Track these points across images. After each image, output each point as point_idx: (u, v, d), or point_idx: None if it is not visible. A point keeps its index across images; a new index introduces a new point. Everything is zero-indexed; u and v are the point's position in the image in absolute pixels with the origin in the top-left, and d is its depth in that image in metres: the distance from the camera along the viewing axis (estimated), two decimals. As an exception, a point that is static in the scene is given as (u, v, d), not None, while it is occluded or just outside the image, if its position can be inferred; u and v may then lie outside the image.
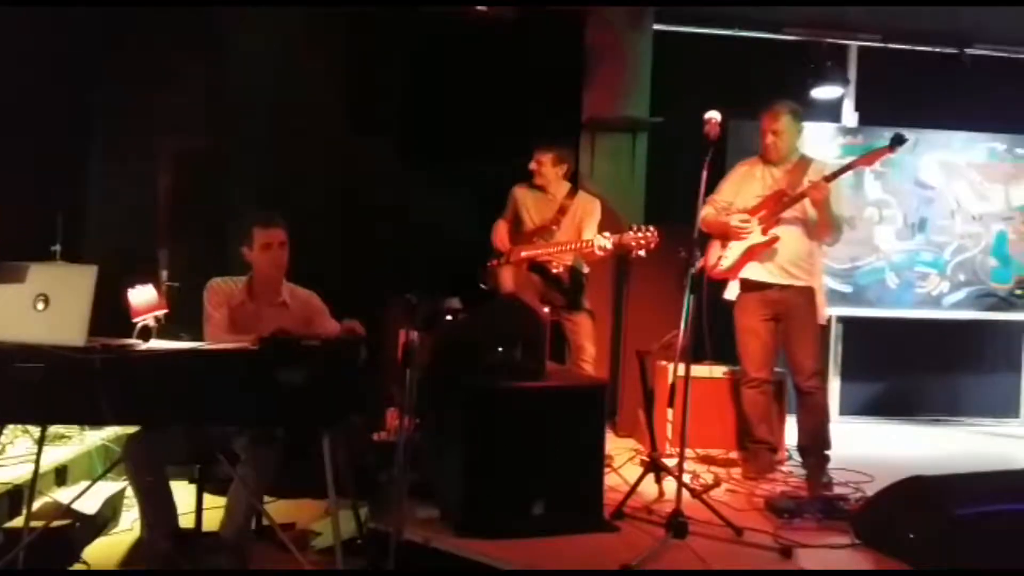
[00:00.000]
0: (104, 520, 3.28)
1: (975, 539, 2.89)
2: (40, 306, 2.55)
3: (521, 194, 4.44)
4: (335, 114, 4.97)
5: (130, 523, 3.33)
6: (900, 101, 5.81)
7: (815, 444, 4.10)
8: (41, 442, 2.92)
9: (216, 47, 4.84)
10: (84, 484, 3.09)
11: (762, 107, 4.16)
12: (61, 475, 3.48)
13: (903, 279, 5.74)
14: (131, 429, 3.01)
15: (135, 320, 3.04)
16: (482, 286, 4.49)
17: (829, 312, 5.36)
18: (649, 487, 3.69)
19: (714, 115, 3.36)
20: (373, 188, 4.95)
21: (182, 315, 3.51)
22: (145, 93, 4.69)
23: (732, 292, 4.23)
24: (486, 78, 5.13)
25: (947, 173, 5.78)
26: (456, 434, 3.31)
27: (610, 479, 3.78)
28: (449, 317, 3.53)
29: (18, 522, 2.98)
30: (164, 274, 4.39)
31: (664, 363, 4.56)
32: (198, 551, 2.88)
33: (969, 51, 5.85)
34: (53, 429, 3.56)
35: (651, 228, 3.99)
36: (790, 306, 4.10)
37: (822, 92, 5.66)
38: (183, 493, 3.00)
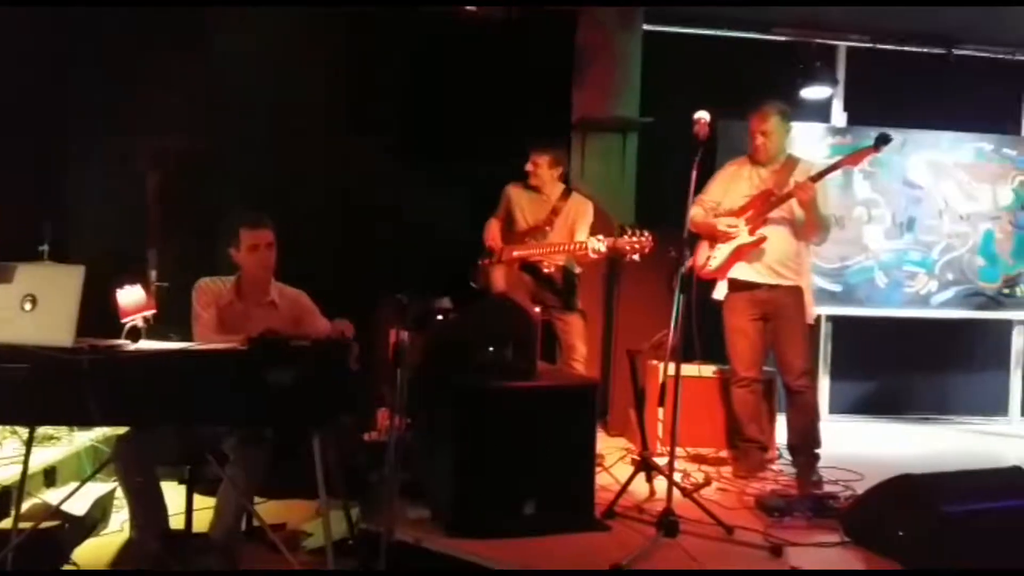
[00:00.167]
0: (93, 521, 3.26)
1: (964, 537, 2.90)
2: (28, 306, 2.53)
3: (515, 193, 4.44)
4: (325, 114, 4.96)
5: (120, 524, 3.32)
6: (888, 101, 5.84)
7: (805, 443, 4.12)
8: (29, 443, 2.90)
9: (205, 46, 4.82)
10: (73, 485, 3.07)
11: (751, 107, 4.18)
12: (50, 476, 3.46)
13: (892, 278, 5.77)
14: (120, 430, 3.00)
15: (124, 320, 3.03)
16: (473, 285, 4.48)
17: (819, 311, 5.38)
18: (640, 486, 3.70)
19: (703, 115, 3.37)
20: (363, 188, 4.94)
21: (171, 315, 3.50)
22: (134, 92, 4.67)
23: (720, 292, 4.24)
24: (476, 78, 5.13)
25: (935, 173, 5.82)
26: (447, 434, 3.31)
27: (601, 478, 3.79)
28: (440, 317, 3.53)
29: (7, 524, 2.95)
30: (153, 274, 4.38)
31: (655, 362, 4.57)
32: (188, 552, 2.87)
33: (956, 51, 5.89)
34: (42, 430, 3.54)
35: (646, 232, 4.00)
36: (779, 306, 4.12)
37: (811, 92, 5.68)
38: (173, 494, 2.99)
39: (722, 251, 4.18)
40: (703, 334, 4.31)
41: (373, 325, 3.79)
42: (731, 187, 4.22)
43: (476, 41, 5.09)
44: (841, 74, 5.95)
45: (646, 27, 5.57)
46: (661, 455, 4.10)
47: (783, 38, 5.81)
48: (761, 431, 4.31)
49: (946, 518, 2.90)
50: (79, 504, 3.12)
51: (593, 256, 4.11)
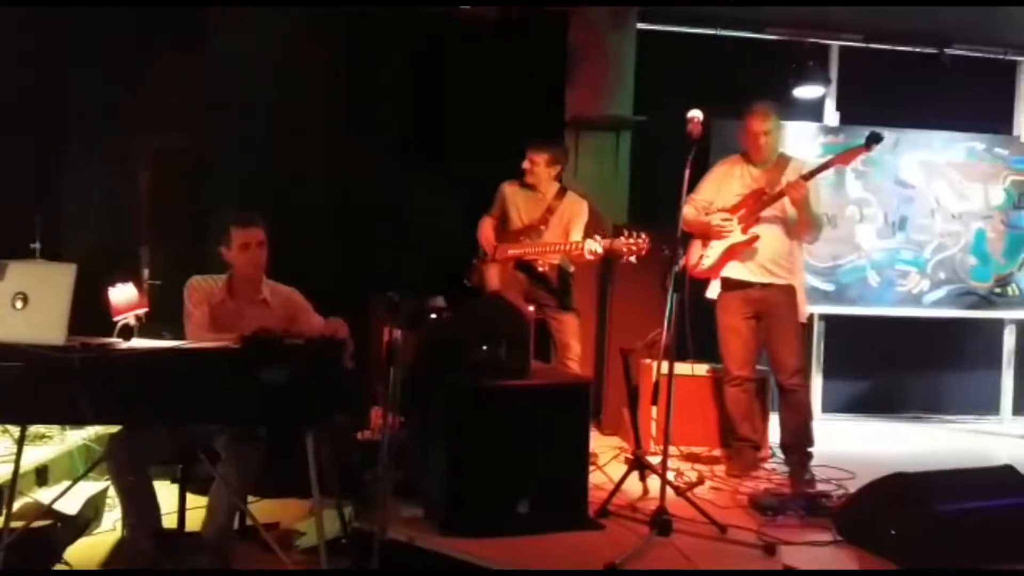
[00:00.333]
0: (86, 520, 3.25)
1: (956, 535, 2.91)
2: (19, 304, 2.52)
3: (511, 192, 4.44)
4: (320, 114, 4.95)
5: (112, 523, 3.31)
6: (881, 100, 5.86)
7: (798, 442, 4.13)
8: (21, 442, 2.88)
9: (201, 46, 4.81)
10: (65, 484, 3.06)
11: (744, 107, 4.17)
12: (42, 475, 3.44)
13: (884, 277, 5.79)
14: (113, 428, 2.99)
15: (116, 319, 3.02)
16: (466, 283, 4.48)
17: (811, 310, 5.39)
18: (634, 485, 3.70)
19: (696, 114, 3.37)
20: (357, 187, 4.94)
21: (164, 313, 3.49)
22: (127, 90, 4.66)
23: (713, 291, 4.24)
24: (470, 78, 5.12)
25: (927, 172, 5.84)
26: (441, 433, 3.30)
27: (595, 477, 3.79)
28: (433, 315, 3.53)
29: (-2, 523, 2.94)
30: (145, 272, 4.36)
31: (648, 361, 4.58)
32: (180, 551, 2.86)
33: (949, 51, 5.91)
34: (33, 429, 3.52)
35: (642, 234, 4.00)
36: (771, 304, 4.12)
37: (804, 91, 5.69)
38: (166, 493, 2.98)
39: (715, 250, 4.19)
40: (696, 333, 4.31)
41: (367, 323, 3.78)
42: (723, 186, 4.22)
43: (469, 41, 5.09)
44: (834, 73, 5.96)
45: (639, 26, 5.58)
46: (654, 454, 4.11)
47: (776, 37, 5.82)
48: (754, 430, 4.32)
49: (939, 517, 2.91)
50: (71, 503, 3.11)
51: (589, 257, 4.12)
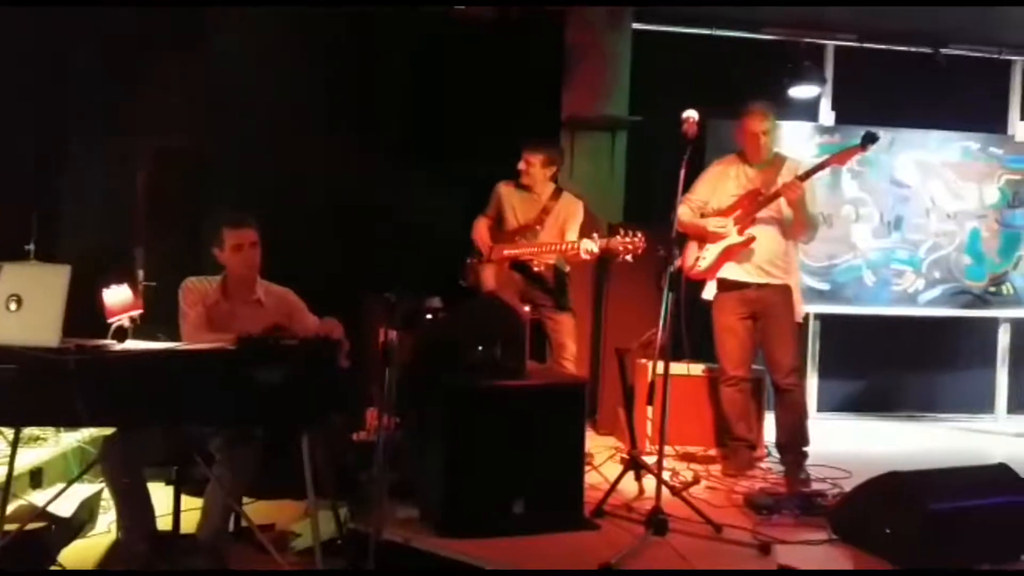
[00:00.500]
0: (80, 522, 3.24)
1: (951, 534, 2.92)
2: (13, 306, 2.52)
3: (507, 192, 4.43)
4: (316, 114, 4.94)
5: (107, 525, 3.30)
6: (876, 100, 5.87)
7: (793, 441, 4.13)
8: (15, 444, 2.87)
9: (198, 46, 4.80)
10: (60, 486, 3.05)
11: (741, 107, 4.17)
12: (36, 477, 3.43)
13: (880, 277, 5.80)
14: (108, 430, 2.98)
15: (110, 320, 3.02)
16: (462, 284, 4.48)
17: (807, 309, 5.40)
18: (629, 485, 3.70)
19: (692, 114, 3.38)
20: (353, 187, 4.93)
21: (159, 315, 3.48)
22: (123, 90, 4.65)
23: (710, 292, 4.25)
24: (466, 77, 5.12)
25: (922, 172, 5.85)
26: (437, 433, 3.30)
27: (591, 477, 3.79)
28: (429, 316, 3.53)
29: (-8, 525, 2.94)
30: (140, 273, 4.35)
31: (644, 361, 4.58)
32: (175, 553, 2.86)
33: (944, 51, 5.92)
34: (28, 431, 3.51)
35: (638, 233, 4.00)
36: (767, 304, 4.13)
37: (800, 91, 5.71)
38: (160, 495, 2.98)
39: (711, 251, 4.19)
40: (693, 333, 4.32)
41: (363, 324, 3.78)
42: (718, 186, 4.22)
43: (466, 41, 5.09)
44: (829, 73, 5.97)
45: (635, 26, 5.58)
46: (650, 454, 4.12)
47: (772, 37, 5.83)
48: (750, 430, 4.33)
49: (933, 516, 2.92)
50: (66, 505, 3.10)
51: (585, 256, 4.12)
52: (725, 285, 4.19)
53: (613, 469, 3.88)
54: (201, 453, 2.86)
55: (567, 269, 4.44)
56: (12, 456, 2.88)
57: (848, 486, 3.66)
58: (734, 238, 4.12)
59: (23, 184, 4.39)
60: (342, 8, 4.95)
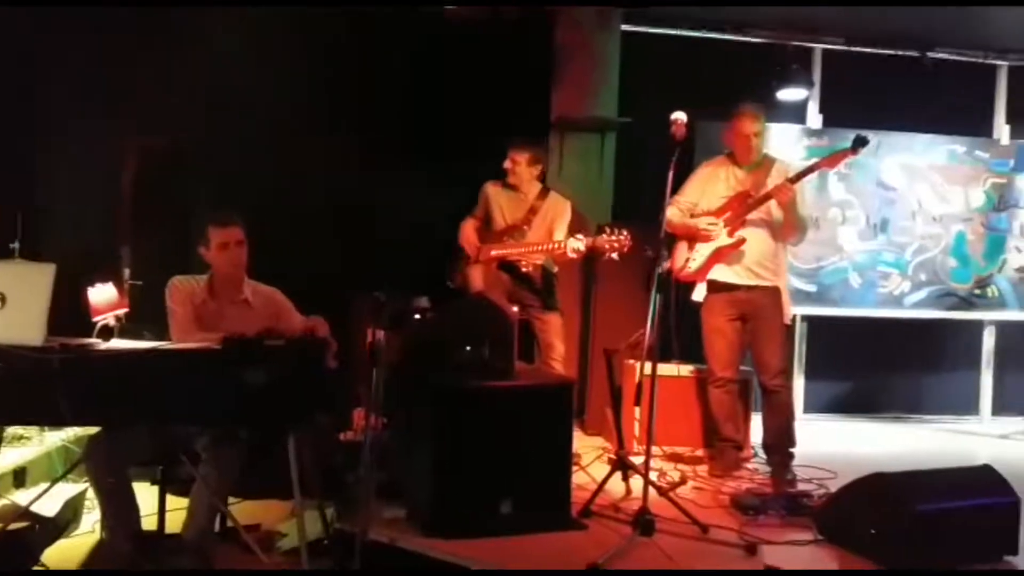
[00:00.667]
0: (64, 522, 3.22)
1: (935, 535, 2.94)
2: (-3, 305, 2.50)
3: (493, 192, 4.43)
4: (303, 113, 4.92)
5: (91, 525, 3.28)
6: (863, 103, 5.90)
7: (780, 442, 4.15)
8: (-2, 443, 2.86)
9: (183, 43, 4.77)
10: (43, 486, 3.03)
11: (730, 109, 4.18)
12: (20, 477, 3.41)
13: (866, 279, 5.83)
14: (92, 429, 2.96)
15: (95, 319, 3.00)
16: (450, 284, 4.47)
17: (794, 311, 5.42)
18: (617, 485, 3.71)
19: (680, 116, 3.39)
20: (341, 186, 4.92)
21: (145, 313, 3.46)
22: (108, 88, 4.61)
23: (700, 294, 4.25)
24: (455, 77, 5.12)
25: (909, 175, 5.89)
26: (424, 433, 3.30)
27: (578, 477, 3.79)
28: (418, 316, 3.52)
29: (-26, 525, 2.91)
30: (127, 272, 4.32)
31: (631, 362, 4.58)
32: (160, 553, 2.84)
33: (930, 55, 5.96)
34: (11, 430, 3.49)
35: (624, 231, 4.01)
36: (757, 306, 4.14)
37: (787, 94, 5.73)
38: (145, 494, 2.96)
39: (701, 253, 4.19)
40: (682, 334, 4.33)
41: (350, 324, 3.77)
42: (708, 188, 4.23)
43: (455, 41, 5.08)
44: (817, 76, 6.00)
45: (624, 28, 5.59)
46: (638, 454, 4.12)
47: (760, 40, 5.86)
48: (737, 430, 4.34)
49: (917, 516, 2.94)
50: (49, 505, 3.07)
51: (572, 255, 4.12)
52: (715, 287, 4.20)
53: (601, 469, 3.88)
54: (187, 453, 2.85)
55: (555, 269, 4.44)
56: (-5, 455, 2.86)
57: (834, 487, 3.67)
58: (724, 240, 4.13)
59: (7, 182, 4.36)
60: (332, 7, 4.94)
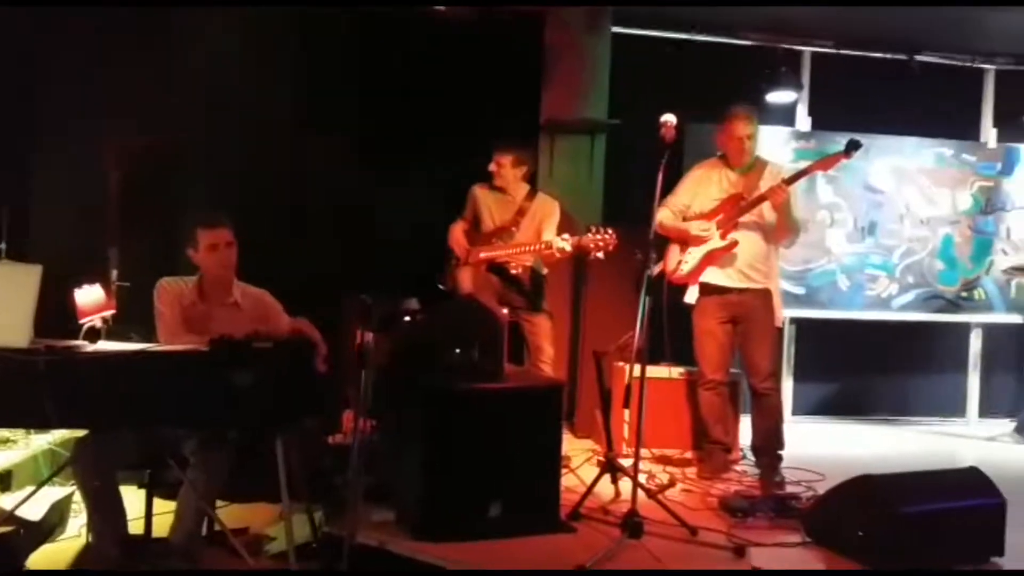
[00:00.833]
0: (50, 526, 3.19)
1: (921, 536, 2.96)
2: (-18, 306, 2.48)
3: (481, 194, 4.43)
4: (292, 114, 4.91)
5: (77, 529, 3.25)
6: (852, 106, 5.92)
7: (769, 444, 4.16)
8: (-17, 446, 2.84)
9: (169, 44, 4.75)
10: (29, 489, 3.01)
11: (719, 111, 4.18)
12: (5, 480, 3.37)
13: (854, 281, 5.86)
14: (79, 432, 2.94)
15: (82, 321, 2.98)
16: (440, 287, 4.47)
17: (783, 313, 5.44)
18: (606, 487, 3.71)
19: (669, 118, 3.39)
20: (331, 187, 4.91)
21: (133, 315, 3.44)
22: (95, 88, 4.59)
23: (692, 296, 4.25)
24: (444, 78, 5.11)
25: (897, 178, 5.91)
26: (414, 436, 3.29)
27: (567, 480, 3.80)
28: (407, 318, 3.51)
29: (-41, 529, 2.89)
30: (114, 273, 4.30)
31: (621, 364, 4.59)
32: (148, 557, 2.82)
33: (918, 58, 6.00)
34: (-3, 433, 3.46)
35: (609, 230, 4.01)
36: (748, 308, 4.15)
37: (776, 96, 5.76)
38: (133, 498, 2.94)
39: (694, 255, 4.20)
40: (674, 337, 4.33)
41: (340, 326, 3.76)
42: (700, 190, 4.24)
43: (444, 41, 5.08)
44: (806, 79, 6.02)
45: (614, 30, 5.59)
46: (627, 456, 4.12)
47: (749, 43, 5.87)
48: (726, 433, 4.35)
49: (905, 518, 2.95)
50: (35, 509, 3.05)
51: (559, 255, 4.12)
52: (707, 289, 4.20)
53: (590, 472, 3.88)
54: (174, 456, 2.83)
55: (545, 272, 4.45)
56: (-20, 459, 2.84)
57: (822, 489, 3.69)
58: (717, 242, 4.13)
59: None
60: (320, 8, 4.93)
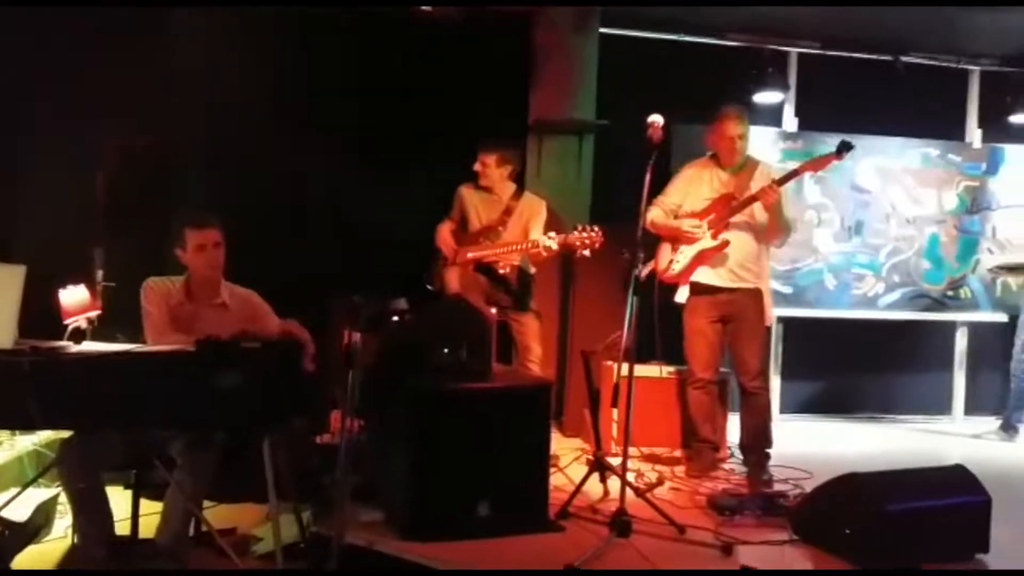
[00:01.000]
0: (36, 527, 3.17)
1: (906, 534, 2.98)
2: (-35, 307, 2.46)
3: (468, 194, 4.43)
4: (280, 114, 4.89)
5: (63, 530, 3.22)
6: (838, 107, 5.96)
7: (757, 443, 4.18)
8: (-32, 448, 2.82)
9: (157, 44, 4.73)
10: (14, 490, 2.99)
11: (717, 111, 4.17)
12: (-11, 482, 3.36)
13: (840, 280, 5.89)
14: (65, 433, 2.92)
15: (66, 322, 2.96)
16: (428, 287, 4.47)
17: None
18: (594, 486, 3.71)
19: (657, 119, 3.40)
20: (319, 188, 4.90)
21: (119, 316, 3.42)
22: (81, 87, 4.56)
23: (682, 296, 4.26)
24: (432, 78, 5.11)
25: (883, 178, 5.95)
26: (402, 435, 3.29)
27: (556, 479, 3.80)
28: (395, 318, 3.51)
29: (-57, 531, 2.87)
30: (100, 274, 4.27)
31: (609, 363, 4.60)
32: (134, 558, 2.81)
33: (904, 59, 6.03)
34: (-19, 434, 3.44)
35: (595, 228, 4.02)
36: (739, 308, 4.16)
37: (763, 97, 5.78)
38: (119, 499, 2.92)
39: (685, 254, 4.21)
40: (664, 336, 4.34)
41: (328, 326, 3.75)
42: (691, 190, 4.25)
43: (432, 41, 5.07)
44: (792, 80, 6.04)
45: (602, 30, 5.60)
46: (615, 455, 4.13)
47: (736, 44, 5.90)
48: (715, 432, 4.37)
49: (891, 516, 2.97)
50: (21, 510, 3.03)
51: (545, 254, 4.13)
52: (698, 289, 4.21)
53: (579, 471, 3.89)
54: (161, 457, 2.81)
55: (533, 271, 4.45)
56: (-36, 460, 2.82)
57: (809, 487, 3.70)
58: (708, 242, 4.14)
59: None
60: (308, 8, 4.92)
